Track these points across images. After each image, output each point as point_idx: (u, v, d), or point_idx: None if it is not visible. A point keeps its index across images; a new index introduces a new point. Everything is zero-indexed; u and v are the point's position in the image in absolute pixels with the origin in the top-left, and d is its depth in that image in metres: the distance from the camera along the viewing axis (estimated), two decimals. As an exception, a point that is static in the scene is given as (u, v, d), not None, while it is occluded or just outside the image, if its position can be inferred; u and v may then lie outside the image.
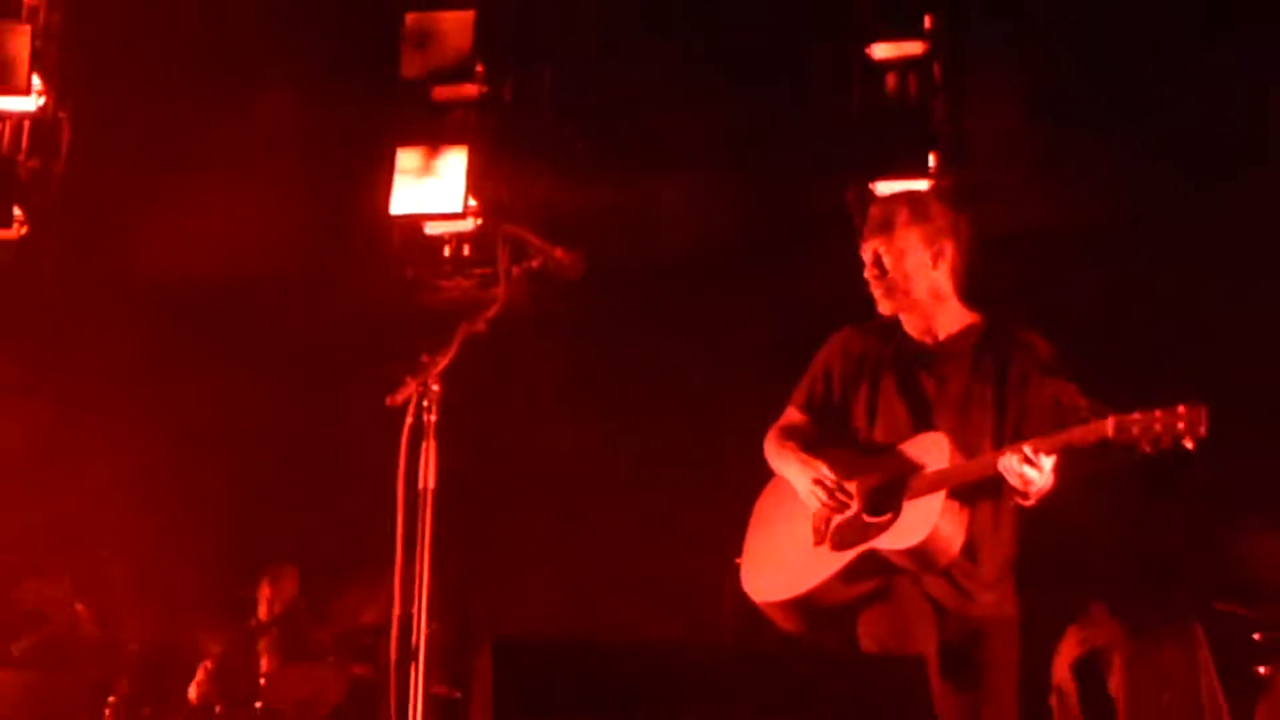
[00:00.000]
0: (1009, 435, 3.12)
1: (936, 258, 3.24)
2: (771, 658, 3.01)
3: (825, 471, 3.24)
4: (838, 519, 3.24)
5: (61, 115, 6.72)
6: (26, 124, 6.78)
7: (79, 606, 6.28)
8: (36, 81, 6.63)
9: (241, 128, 6.44)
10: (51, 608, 6.33)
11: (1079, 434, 2.89)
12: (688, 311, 5.52)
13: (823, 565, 3.22)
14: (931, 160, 6.07)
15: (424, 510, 3.04)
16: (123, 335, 6.64)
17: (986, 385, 3.19)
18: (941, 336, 3.33)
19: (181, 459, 6.61)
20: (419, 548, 3.02)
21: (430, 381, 3.08)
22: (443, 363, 3.11)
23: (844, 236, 4.67)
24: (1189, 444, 2.79)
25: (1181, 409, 2.80)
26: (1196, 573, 5.74)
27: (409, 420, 3.10)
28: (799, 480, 3.30)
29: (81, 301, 7.01)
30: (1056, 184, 6.10)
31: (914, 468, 3.20)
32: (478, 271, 6.55)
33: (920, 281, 3.26)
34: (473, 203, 6.46)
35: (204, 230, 6.36)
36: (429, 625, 3.13)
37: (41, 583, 6.38)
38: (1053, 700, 5.58)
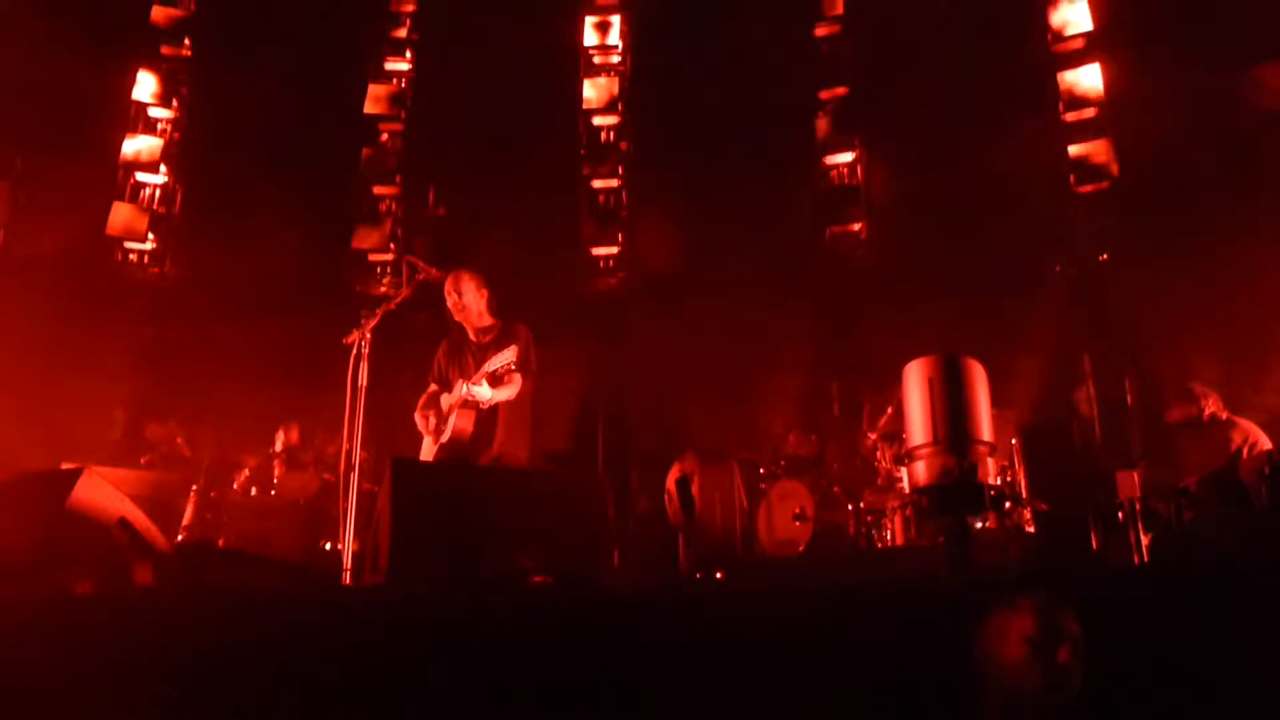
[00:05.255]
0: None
1: (479, 298, 4.80)
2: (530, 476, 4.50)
3: (427, 420, 4.77)
4: (440, 425, 4.72)
5: (177, 185, 9.41)
6: (159, 191, 9.69)
7: (179, 438, 8.03)
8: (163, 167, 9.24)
9: (276, 214, 8.65)
10: (161, 438, 8.03)
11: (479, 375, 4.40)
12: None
13: (437, 441, 4.84)
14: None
15: (361, 395, 4.26)
16: (207, 306, 9.17)
17: (494, 354, 4.54)
18: (480, 336, 4.77)
19: (243, 370, 8.56)
20: (358, 413, 4.18)
21: (366, 332, 4.37)
22: (372, 323, 4.42)
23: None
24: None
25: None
26: (732, 441, 7.96)
27: (354, 350, 4.27)
28: (429, 419, 4.89)
29: (185, 288, 9.59)
30: None
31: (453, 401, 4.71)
32: (392, 279, 9.45)
33: (473, 309, 4.77)
34: (391, 245, 9.63)
35: (254, 256, 8.71)
36: (361, 453, 4.27)
37: (158, 424, 8.17)
38: (665, 499, 6.96)
